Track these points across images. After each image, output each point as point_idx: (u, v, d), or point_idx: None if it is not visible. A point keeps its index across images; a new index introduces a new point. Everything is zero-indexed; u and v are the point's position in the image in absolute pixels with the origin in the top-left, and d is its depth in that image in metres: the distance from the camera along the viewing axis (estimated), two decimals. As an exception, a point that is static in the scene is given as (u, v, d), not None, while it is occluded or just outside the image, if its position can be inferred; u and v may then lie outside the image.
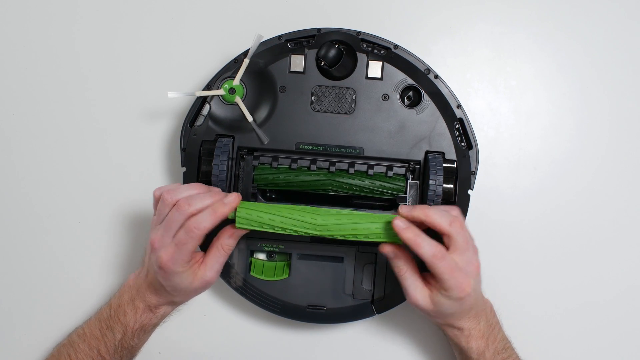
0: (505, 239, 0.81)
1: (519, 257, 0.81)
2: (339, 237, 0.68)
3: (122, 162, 0.82)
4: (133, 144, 0.82)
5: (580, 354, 0.80)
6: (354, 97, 0.76)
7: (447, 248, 0.66)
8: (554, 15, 0.82)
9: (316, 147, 0.76)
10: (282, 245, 0.76)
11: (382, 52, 0.76)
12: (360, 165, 0.75)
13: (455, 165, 0.75)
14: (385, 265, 0.76)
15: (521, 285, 0.81)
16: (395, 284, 0.75)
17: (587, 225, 0.81)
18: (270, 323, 0.81)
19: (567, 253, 0.81)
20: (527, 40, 0.82)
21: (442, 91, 0.76)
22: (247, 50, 0.75)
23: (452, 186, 0.74)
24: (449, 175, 0.74)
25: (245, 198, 0.76)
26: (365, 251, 0.76)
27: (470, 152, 0.76)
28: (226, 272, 0.76)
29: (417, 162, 0.75)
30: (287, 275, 0.76)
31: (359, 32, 0.76)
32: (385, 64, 0.76)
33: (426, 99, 0.76)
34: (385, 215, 0.67)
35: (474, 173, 0.76)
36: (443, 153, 0.75)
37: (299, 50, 0.76)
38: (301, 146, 0.76)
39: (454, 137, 0.75)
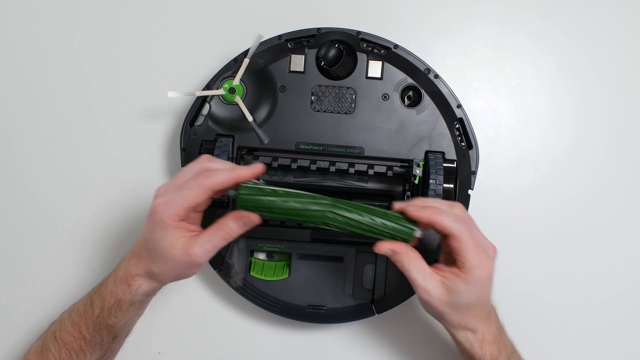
0: (505, 238, 0.81)
1: (518, 257, 0.81)
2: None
3: (122, 162, 0.82)
4: (133, 144, 0.82)
5: (579, 353, 0.80)
6: (354, 96, 0.76)
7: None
8: (554, 15, 0.82)
9: (316, 147, 0.76)
10: (282, 245, 0.76)
11: (382, 52, 0.76)
12: (360, 165, 0.75)
13: (455, 165, 0.75)
14: (385, 265, 0.76)
15: (521, 285, 0.81)
16: (395, 283, 0.75)
17: (587, 225, 0.81)
18: (270, 323, 0.81)
19: (567, 253, 0.81)
20: (527, 40, 0.82)
21: (442, 91, 0.76)
22: (247, 50, 0.75)
23: (452, 186, 0.74)
24: (449, 175, 0.74)
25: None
26: (365, 251, 0.76)
27: (470, 152, 0.76)
28: (226, 272, 0.76)
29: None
30: (287, 275, 0.76)
31: (359, 32, 0.76)
32: (385, 63, 0.76)
33: (426, 98, 0.76)
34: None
35: (474, 173, 0.76)
36: (443, 153, 0.75)
37: (299, 50, 0.76)
38: (301, 146, 0.76)
39: (454, 137, 0.76)
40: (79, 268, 0.82)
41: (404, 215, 0.64)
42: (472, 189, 0.75)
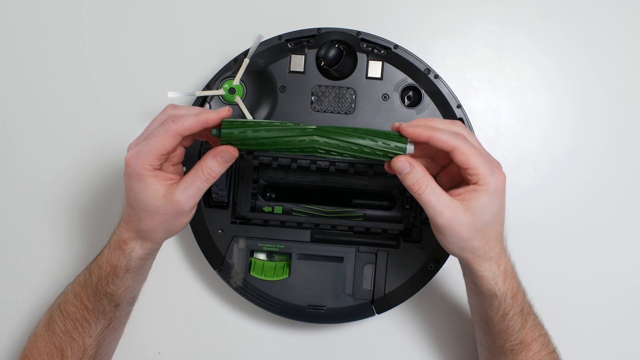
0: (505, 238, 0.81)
1: (518, 257, 0.81)
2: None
3: (122, 162, 0.82)
4: (133, 144, 0.82)
5: (578, 353, 0.80)
6: (354, 97, 0.76)
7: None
8: (554, 15, 0.82)
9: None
10: (282, 245, 0.76)
11: (382, 52, 0.76)
12: (361, 165, 0.75)
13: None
14: (385, 265, 0.76)
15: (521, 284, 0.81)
16: (396, 284, 0.75)
17: (587, 224, 0.81)
18: (270, 323, 0.81)
19: (567, 253, 0.81)
20: (527, 40, 0.82)
21: (442, 91, 0.76)
22: (247, 50, 0.75)
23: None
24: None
25: (245, 199, 0.76)
26: (365, 251, 0.76)
27: (470, 152, 0.76)
28: (226, 272, 0.76)
29: None
30: (287, 275, 0.76)
31: (359, 32, 0.76)
32: (385, 63, 0.76)
33: (426, 99, 0.76)
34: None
35: (474, 173, 0.75)
36: (443, 153, 0.75)
37: (299, 50, 0.76)
38: (301, 146, 0.76)
39: (454, 137, 0.75)
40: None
41: (397, 134, 0.61)
42: (472, 189, 0.75)
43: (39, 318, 0.72)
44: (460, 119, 0.75)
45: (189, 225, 0.76)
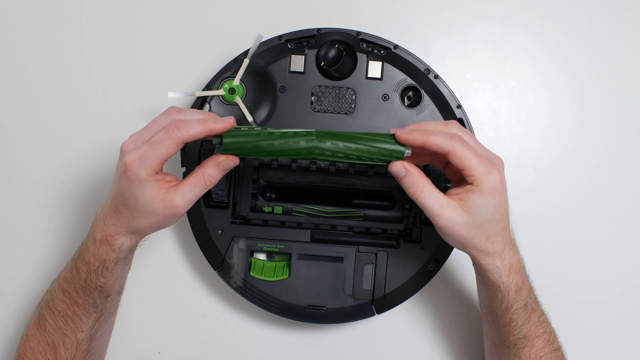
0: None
1: (519, 257, 0.81)
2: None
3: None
4: (133, 144, 0.82)
5: (577, 353, 0.80)
6: (354, 97, 0.76)
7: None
8: (554, 15, 0.82)
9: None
10: (282, 245, 0.76)
11: (382, 52, 0.76)
12: (361, 165, 0.75)
13: (455, 166, 0.75)
14: (385, 265, 0.76)
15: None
16: (396, 283, 0.75)
17: (586, 225, 0.81)
18: (270, 323, 0.81)
19: (566, 253, 0.81)
20: (527, 40, 0.82)
21: (442, 91, 0.76)
22: (247, 50, 0.75)
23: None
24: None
25: (245, 199, 0.76)
26: (365, 251, 0.76)
27: (470, 152, 0.76)
28: (226, 272, 0.76)
29: None
30: (287, 275, 0.76)
31: (359, 32, 0.76)
32: (385, 64, 0.76)
33: (426, 99, 0.76)
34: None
35: (474, 173, 0.75)
36: (443, 153, 0.75)
37: (299, 50, 0.76)
38: (301, 146, 0.76)
39: (454, 137, 0.75)
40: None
41: (394, 138, 0.62)
42: (472, 189, 0.75)
43: (30, 315, 0.73)
44: (460, 119, 0.75)
45: (189, 225, 0.76)
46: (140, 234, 0.66)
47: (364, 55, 0.76)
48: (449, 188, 0.65)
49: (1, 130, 0.83)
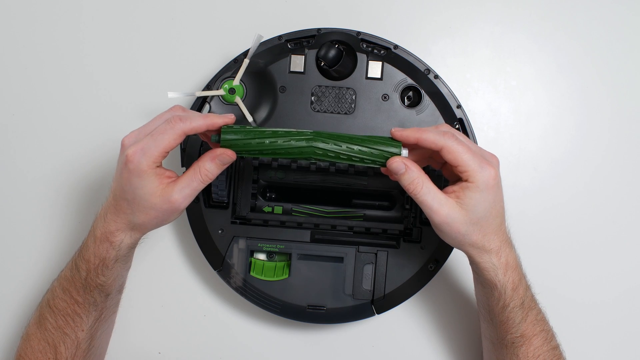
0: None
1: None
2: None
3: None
4: (133, 144, 0.82)
5: (575, 353, 0.80)
6: (354, 97, 0.76)
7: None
8: (554, 15, 0.82)
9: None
10: (282, 245, 0.76)
11: (382, 52, 0.76)
12: (361, 166, 0.75)
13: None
14: (385, 265, 0.76)
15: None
16: (396, 283, 0.75)
17: (586, 225, 0.81)
18: (270, 323, 0.81)
19: (566, 253, 0.81)
20: (527, 40, 0.82)
21: (442, 91, 0.76)
22: (247, 50, 0.75)
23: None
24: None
25: (245, 199, 0.76)
26: (365, 251, 0.76)
27: (470, 152, 0.76)
28: (226, 272, 0.76)
29: None
30: (287, 276, 0.76)
31: (359, 32, 0.76)
32: (385, 64, 0.76)
33: (426, 99, 0.76)
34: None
35: (474, 173, 0.75)
36: (443, 153, 0.75)
37: (299, 50, 0.76)
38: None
39: (454, 137, 0.75)
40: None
41: (391, 139, 0.63)
42: (472, 189, 0.75)
43: (30, 315, 0.73)
44: (460, 119, 0.75)
45: (189, 225, 0.76)
46: (140, 230, 0.66)
47: (364, 55, 0.76)
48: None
49: (1, 130, 0.83)
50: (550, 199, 0.81)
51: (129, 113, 0.82)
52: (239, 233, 0.76)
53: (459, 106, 0.76)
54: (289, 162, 0.75)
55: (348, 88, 0.76)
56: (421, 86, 0.76)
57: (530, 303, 0.67)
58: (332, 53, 0.74)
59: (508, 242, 0.66)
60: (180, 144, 0.75)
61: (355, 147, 0.63)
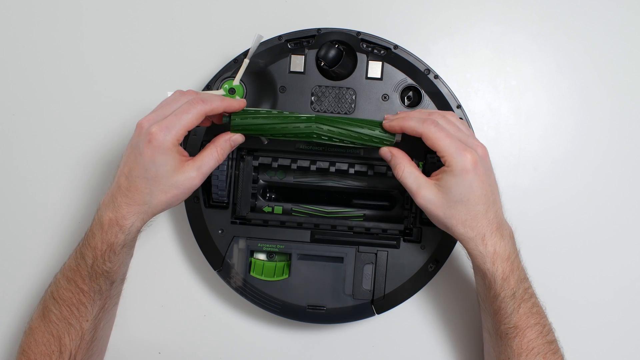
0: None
1: (518, 257, 0.81)
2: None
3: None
4: (133, 144, 0.82)
5: (575, 353, 0.81)
6: (354, 97, 0.76)
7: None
8: (554, 15, 0.82)
9: (316, 148, 0.76)
10: (282, 245, 0.76)
11: (382, 52, 0.76)
12: (360, 166, 0.75)
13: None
14: (385, 265, 0.76)
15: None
16: (396, 283, 0.76)
17: (586, 225, 0.81)
18: (270, 323, 0.81)
19: (566, 253, 0.81)
20: (527, 40, 0.82)
21: (442, 91, 0.76)
22: (247, 50, 0.75)
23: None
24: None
25: (245, 199, 0.76)
26: (365, 251, 0.76)
27: (470, 152, 0.76)
28: (226, 272, 0.76)
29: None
30: (287, 276, 0.76)
31: (359, 32, 0.76)
32: (385, 64, 0.76)
33: (426, 99, 0.76)
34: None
35: (474, 173, 0.75)
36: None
37: (299, 50, 0.76)
38: (301, 146, 0.76)
39: (454, 137, 0.75)
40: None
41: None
42: (472, 189, 0.75)
43: (32, 311, 0.73)
44: (460, 119, 0.75)
45: (189, 225, 0.76)
46: (151, 211, 0.67)
47: (364, 55, 0.76)
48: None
49: (1, 130, 0.83)
50: (550, 199, 0.81)
51: (129, 113, 0.82)
52: (239, 233, 0.76)
53: (459, 106, 0.76)
54: (289, 162, 0.75)
55: (348, 88, 0.76)
56: (421, 86, 0.76)
57: (523, 295, 0.68)
58: (332, 53, 0.75)
59: (498, 232, 0.67)
60: (181, 143, 0.75)
61: (359, 130, 0.69)
